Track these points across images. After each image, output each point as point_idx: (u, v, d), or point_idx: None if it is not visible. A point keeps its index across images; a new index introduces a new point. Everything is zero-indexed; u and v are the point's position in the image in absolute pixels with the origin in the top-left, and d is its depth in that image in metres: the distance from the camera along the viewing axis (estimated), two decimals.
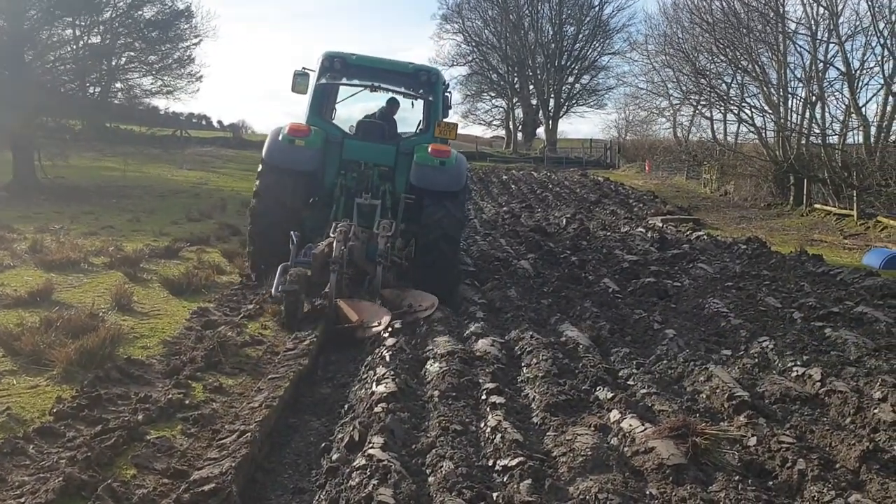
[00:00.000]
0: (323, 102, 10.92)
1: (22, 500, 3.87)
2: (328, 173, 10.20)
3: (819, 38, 23.73)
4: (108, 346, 6.15)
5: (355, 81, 11.31)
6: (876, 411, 5.28)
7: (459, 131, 12.90)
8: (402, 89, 11.28)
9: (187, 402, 5.43)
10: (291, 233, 8.70)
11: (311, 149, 9.73)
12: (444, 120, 10.66)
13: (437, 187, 9.70)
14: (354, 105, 12.33)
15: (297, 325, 7.76)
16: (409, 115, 12.42)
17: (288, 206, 9.56)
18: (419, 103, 11.57)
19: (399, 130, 11.60)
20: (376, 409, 5.09)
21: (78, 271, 9.74)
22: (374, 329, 7.59)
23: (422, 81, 10.91)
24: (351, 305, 8.00)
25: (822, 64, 23.91)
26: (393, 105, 11.81)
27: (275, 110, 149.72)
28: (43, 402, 5.21)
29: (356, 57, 10.74)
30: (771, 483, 4.44)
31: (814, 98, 24.07)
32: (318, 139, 9.85)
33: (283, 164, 9.64)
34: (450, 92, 11.80)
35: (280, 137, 9.72)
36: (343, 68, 10.71)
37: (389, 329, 7.46)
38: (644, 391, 5.84)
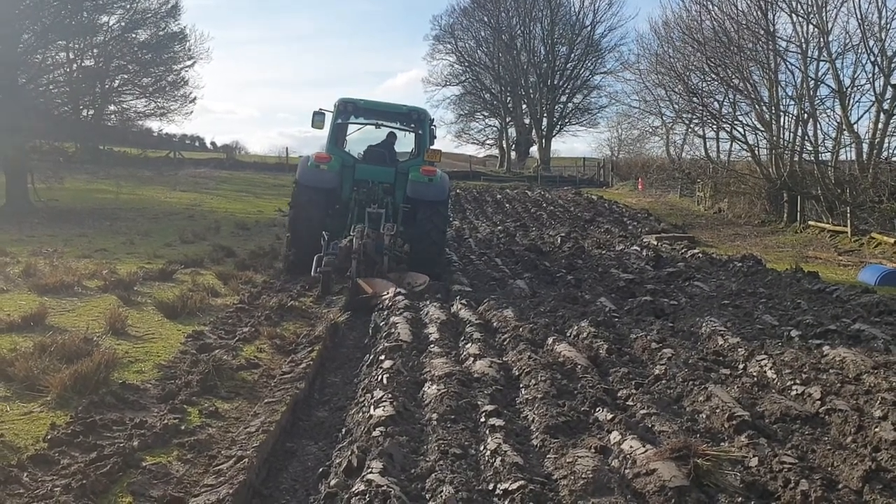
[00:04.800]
0: (339, 136, 14.09)
1: None
2: (345, 189, 13.30)
3: (810, 55, 23.97)
4: (102, 370, 6.08)
5: (362, 120, 14.76)
6: (877, 430, 5.24)
7: (453, 150, 17.14)
8: (399, 125, 14.82)
9: (183, 427, 5.37)
10: (323, 233, 12.25)
11: (332, 171, 12.86)
12: (431, 147, 13.90)
13: (427, 198, 12.92)
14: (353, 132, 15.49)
15: (330, 294, 10.88)
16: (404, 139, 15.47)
17: (316, 213, 12.67)
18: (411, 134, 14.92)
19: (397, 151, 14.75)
20: (374, 433, 5.03)
21: (72, 295, 9.68)
22: (384, 297, 10.01)
23: (413, 119, 14.37)
24: (367, 282, 10.94)
25: (813, 81, 24.13)
26: (391, 137, 14.85)
27: (270, 131, 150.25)
28: (37, 429, 5.14)
29: (364, 102, 14.02)
30: None
31: (805, 115, 24.24)
32: (337, 164, 13.01)
33: (312, 183, 12.73)
34: (435, 125, 14.94)
35: (309, 163, 12.88)
36: (354, 110, 14.04)
37: (396, 298, 9.73)
38: (644, 412, 5.79)
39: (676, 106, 33.51)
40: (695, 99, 29.81)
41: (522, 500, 4.18)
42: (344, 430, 5.63)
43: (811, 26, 23.67)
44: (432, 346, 7.77)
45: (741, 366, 7.38)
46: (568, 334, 8.70)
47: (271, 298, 10.21)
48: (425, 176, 12.91)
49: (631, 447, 4.87)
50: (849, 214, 21.21)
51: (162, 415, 5.58)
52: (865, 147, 22.53)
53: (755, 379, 6.82)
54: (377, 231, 12.11)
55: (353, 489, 4.22)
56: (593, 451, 4.93)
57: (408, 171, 13.23)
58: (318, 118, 13.60)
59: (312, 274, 11.56)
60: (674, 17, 33.60)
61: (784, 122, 26.27)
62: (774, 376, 6.84)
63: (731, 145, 31.39)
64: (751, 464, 4.81)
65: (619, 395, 6.41)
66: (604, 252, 17.90)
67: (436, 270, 12.70)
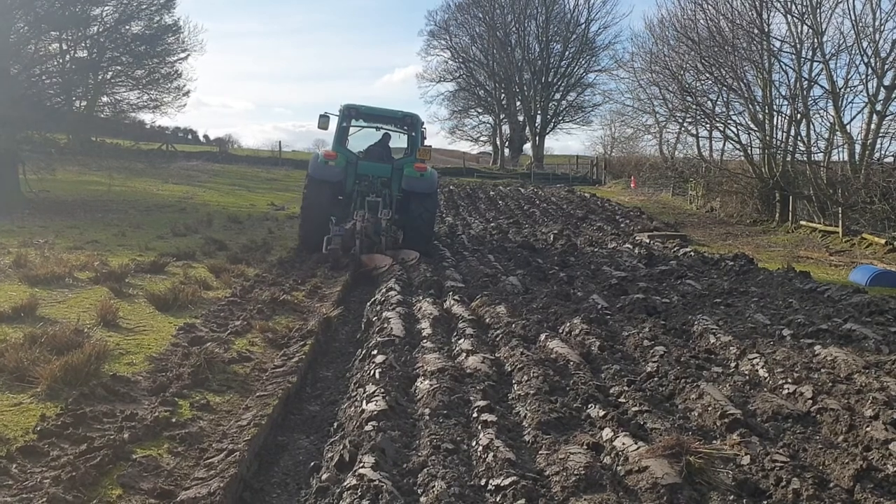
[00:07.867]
0: (342, 136, 16.12)
1: None
2: (348, 182, 15.57)
3: (804, 56, 24.03)
4: (93, 362, 6.05)
5: (362, 123, 17.32)
6: (868, 429, 5.26)
7: (447, 147, 18.88)
8: (394, 127, 17.34)
9: (174, 420, 5.34)
10: (331, 217, 14.51)
11: (338, 167, 15.22)
12: (422, 146, 16.05)
13: (418, 190, 15.28)
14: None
15: (340, 269, 12.80)
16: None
17: (325, 202, 14.91)
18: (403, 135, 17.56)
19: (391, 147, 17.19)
20: (367, 428, 5.02)
21: (63, 286, 9.62)
22: (381, 269, 12.64)
23: (407, 122, 16.84)
24: (368, 258, 13.52)
25: (806, 82, 24.20)
26: (387, 137, 17.16)
27: (265, 125, 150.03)
28: (26, 420, 5.11)
29: (365, 107, 16.55)
30: (766, 503, 4.40)
31: (799, 116, 24.31)
32: (342, 160, 15.35)
33: (321, 176, 15.07)
34: (425, 128, 17.09)
35: (319, 160, 15.36)
36: (356, 114, 16.57)
37: (392, 270, 12.23)
38: (636, 409, 5.79)
39: (670, 105, 33.53)
40: (688, 98, 29.83)
41: (514, 495, 4.18)
42: (336, 425, 5.62)
43: (805, 27, 23.76)
44: (425, 341, 7.76)
45: (733, 364, 7.40)
46: (560, 331, 8.71)
47: (263, 292, 10.18)
48: (417, 171, 15.26)
49: (623, 444, 4.87)
50: (840, 215, 21.28)
51: (153, 407, 5.55)
52: (858, 148, 22.63)
53: (747, 377, 6.84)
54: (376, 216, 14.55)
55: (345, 483, 4.22)
56: (585, 447, 4.92)
57: (402, 167, 15.48)
58: (323, 120, 15.65)
59: (323, 251, 13.83)
60: (668, 15, 33.66)
61: (777, 122, 26.37)
62: (766, 375, 6.86)
63: (724, 144, 31.50)
64: (743, 462, 4.82)
65: (611, 392, 6.41)
66: (596, 249, 17.92)
67: (425, 249, 15.06)
